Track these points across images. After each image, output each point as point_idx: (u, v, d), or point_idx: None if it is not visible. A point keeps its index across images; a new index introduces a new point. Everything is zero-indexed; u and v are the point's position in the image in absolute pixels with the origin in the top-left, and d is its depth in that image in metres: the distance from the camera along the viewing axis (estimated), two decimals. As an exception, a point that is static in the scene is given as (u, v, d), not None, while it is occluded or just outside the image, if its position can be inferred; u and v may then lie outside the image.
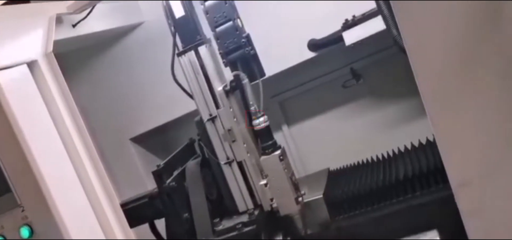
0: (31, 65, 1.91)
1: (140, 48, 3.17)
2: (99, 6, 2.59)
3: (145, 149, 3.51)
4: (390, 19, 2.32)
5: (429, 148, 2.55)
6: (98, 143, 2.31)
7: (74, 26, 2.43)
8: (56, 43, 2.05)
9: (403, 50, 2.23)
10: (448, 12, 1.42)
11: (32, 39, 1.98)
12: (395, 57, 2.27)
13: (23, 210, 1.81)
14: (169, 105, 3.16)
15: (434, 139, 2.51)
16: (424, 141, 2.63)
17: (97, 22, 2.67)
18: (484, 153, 1.53)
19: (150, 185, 2.92)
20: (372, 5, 2.44)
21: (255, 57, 2.43)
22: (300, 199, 2.41)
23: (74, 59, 3.22)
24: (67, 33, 2.37)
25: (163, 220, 2.56)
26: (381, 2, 2.34)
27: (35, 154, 1.76)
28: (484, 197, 1.57)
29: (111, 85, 3.33)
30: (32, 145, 1.75)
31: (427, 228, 2.33)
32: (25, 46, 1.94)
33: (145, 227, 2.62)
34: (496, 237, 1.60)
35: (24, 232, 1.81)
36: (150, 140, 3.51)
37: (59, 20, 2.25)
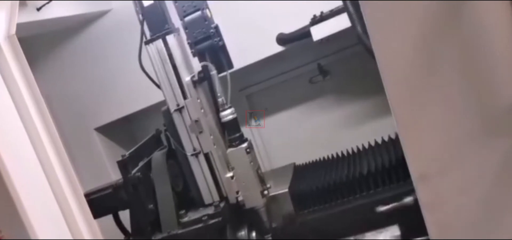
0: (-7, 47, 1.85)
1: (106, 36, 3.12)
2: (65, -10, 2.54)
3: (110, 140, 3.46)
4: (355, 17, 2.37)
5: (392, 144, 2.61)
6: (62, 132, 2.26)
7: (38, 9, 2.37)
8: (19, 27, 1.99)
9: (367, 49, 2.29)
10: (412, 11, 1.46)
11: (-7, 21, 1.92)
12: (362, 55, 2.31)
13: (-19, 197, 1.75)
14: (135, 95, 3.12)
15: (397, 136, 2.59)
16: (387, 138, 2.70)
17: (62, 7, 2.61)
18: (443, 148, 1.59)
19: (115, 176, 2.88)
20: (340, 2, 2.47)
21: (223, 48, 2.43)
22: (265, 192, 2.43)
23: (38, 44, 3.14)
24: (31, 16, 2.31)
25: (127, 211, 2.53)
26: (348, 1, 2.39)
27: (-6, 139, 1.71)
28: (443, 190, 1.62)
29: (76, 73, 3.26)
30: (-9, 130, 1.70)
31: (389, 223, 2.39)
32: (-14, 28, 1.88)
33: (109, 218, 2.58)
34: (452, 229, 1.66)
35: (-18, 219, 1.76)
36: (115, 130, 3.46)
37: (22, 2, 2.18)
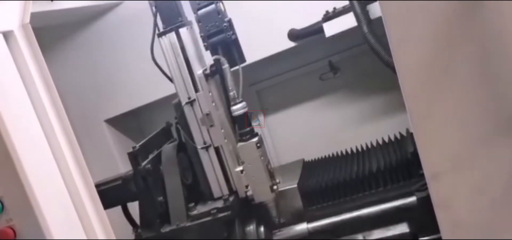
0: (7, 35, 1.85)
1: (119, 27, 3.12)
2: (78, -18, 2.54)
3: (120, 132, 3.46)
4: (361, 17, 2.37)
5: (402, 142, 2.60)
6: (72, 122, 2.26)
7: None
8: (33, 16, 1.98)
9: (372, 48, 2.29)
10: (430, 9, 1.46)
11: (8, 9, 1.91)
12: (372, 52, 2.31)
13: (-6, 185, 1.76)
14: (146, 87, 3.12)
15: (407, 133, 2.59)
16: (398, 135, 2.68)
17: (76, -2, 2.61)
18: (458, 147, 1.58)
19: (123, 169, 2.89)
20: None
21: (236, 42, 2.43)
22: (275, 187, 2.43)
23: (51, 35, 3.14)
24: (44, 6, 2.31)
25: (136, 203, 2.53)
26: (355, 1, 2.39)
27: (8, 127, 1.70)
28: (456, 189, 1.61)
29: (87, 64, 3.26)
30: (5, 117, 1.70)
31: (398, 221, 2.38)
32: (1, 15, 1.87)
33: (117, 209, 2.58)
34: (465, 229, 1.65)
35: (-6, 207, 1.76)
36: (125, 122, 3.46)
37: (36, -8, 2.18)
